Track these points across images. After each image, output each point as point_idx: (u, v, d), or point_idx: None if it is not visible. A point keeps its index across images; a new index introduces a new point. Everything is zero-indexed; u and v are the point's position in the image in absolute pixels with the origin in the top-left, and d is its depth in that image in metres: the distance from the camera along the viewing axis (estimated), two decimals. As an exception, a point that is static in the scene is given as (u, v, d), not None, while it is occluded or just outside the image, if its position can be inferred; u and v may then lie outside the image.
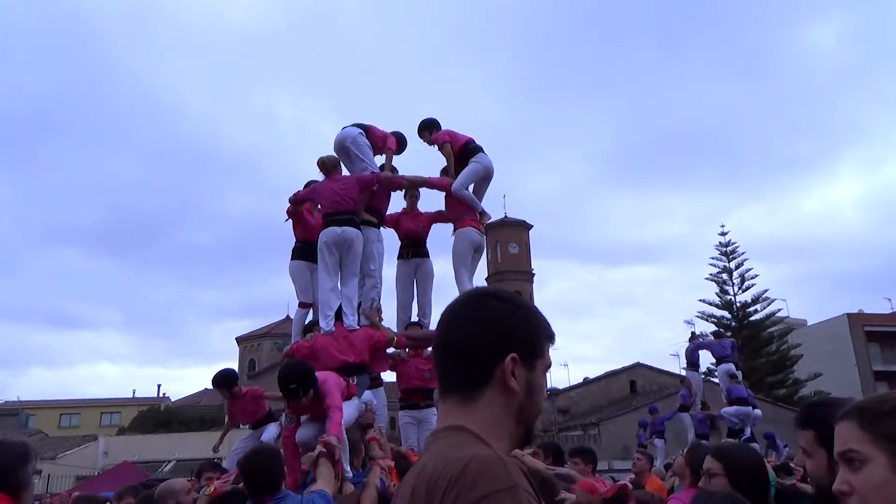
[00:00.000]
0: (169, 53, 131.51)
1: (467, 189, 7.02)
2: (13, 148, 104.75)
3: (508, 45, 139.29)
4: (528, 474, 1.22)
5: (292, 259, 7.04)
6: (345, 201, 6.30)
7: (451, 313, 1.36)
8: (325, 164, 6.49)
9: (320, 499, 3.69)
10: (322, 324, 6.14)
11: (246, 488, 3.57)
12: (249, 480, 3.53)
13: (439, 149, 7.19)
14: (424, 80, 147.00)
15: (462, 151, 7.10)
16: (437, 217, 7.41)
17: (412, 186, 7.24)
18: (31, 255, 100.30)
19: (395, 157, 7.12)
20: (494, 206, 51.45)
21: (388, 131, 7.12)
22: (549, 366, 1.37)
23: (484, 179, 7.23)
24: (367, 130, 6.91)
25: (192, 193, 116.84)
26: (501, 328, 1.30)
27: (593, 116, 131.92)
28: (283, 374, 4.56)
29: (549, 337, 1.38)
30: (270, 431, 7.07)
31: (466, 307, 1.36)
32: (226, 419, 8.58)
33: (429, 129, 7.31)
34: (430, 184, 7.18)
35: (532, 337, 1.33)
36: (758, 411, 14.14)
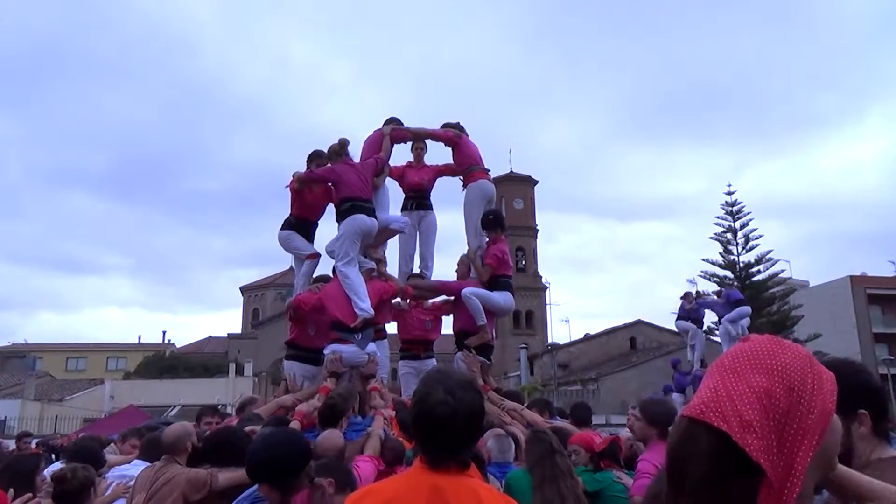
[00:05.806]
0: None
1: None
2: (19, 86, 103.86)
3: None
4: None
5: (283, 229, 6.74)
6: (368, 189, 6.35)
7: None
8: (337, 151, 6.38)
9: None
10: (359, 312, 5.90)
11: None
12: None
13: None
14: (440, 24, 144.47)
15: (493, 277, 6.80)
16: (444, 169, 7.41)
17: (417, 138, 7.26)
18: (37, 197, 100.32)
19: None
20: (500, 160, 50.90)
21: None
22: None
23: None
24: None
25: (201, 137, 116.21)
26: None
27: (612, 68, 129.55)
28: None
29: None
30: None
31: None
32: None
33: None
34: (435, 136, 7.22)
35: None
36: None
